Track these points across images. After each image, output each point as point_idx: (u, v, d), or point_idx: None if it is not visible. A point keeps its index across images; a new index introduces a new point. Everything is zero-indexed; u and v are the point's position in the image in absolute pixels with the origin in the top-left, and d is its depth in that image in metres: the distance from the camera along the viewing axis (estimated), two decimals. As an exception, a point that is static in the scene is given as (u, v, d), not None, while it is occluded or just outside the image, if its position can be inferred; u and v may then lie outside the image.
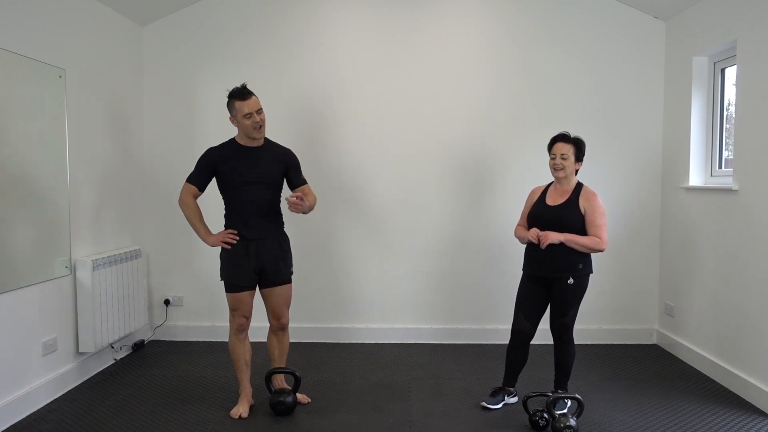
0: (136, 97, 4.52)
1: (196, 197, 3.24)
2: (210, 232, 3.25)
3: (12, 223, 3.16)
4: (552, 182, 3.39)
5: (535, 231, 3.19)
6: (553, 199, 3.29)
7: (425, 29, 4.54)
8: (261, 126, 3.14)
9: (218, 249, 3.29)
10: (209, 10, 4.58)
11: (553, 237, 3.13)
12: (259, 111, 3.13)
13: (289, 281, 3.34)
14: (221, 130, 4.50)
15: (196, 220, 3.24)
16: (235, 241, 3.18)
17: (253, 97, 3.13)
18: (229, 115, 3.20)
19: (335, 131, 4.58)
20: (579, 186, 3.29)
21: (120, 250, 4.13)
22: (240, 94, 3.10)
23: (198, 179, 3.22)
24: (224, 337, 4.60)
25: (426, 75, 4.55)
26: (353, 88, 4.56)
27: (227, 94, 3.17)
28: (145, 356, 4.28)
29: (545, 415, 3.07)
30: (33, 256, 3.33)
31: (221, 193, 3.27)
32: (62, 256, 3.57)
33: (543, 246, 3.14)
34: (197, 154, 4.53)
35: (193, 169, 3.26)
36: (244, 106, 3.09)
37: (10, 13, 3.16)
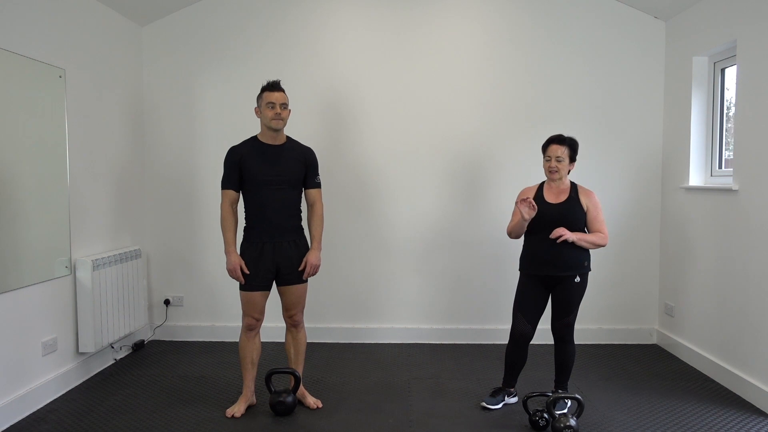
0: (136, 97, 4.52)
1: (233, 202, 3.23)
2: (234, 249, 3.20)
3: (12, 223, 3.16)
4: (543, 182, 3.39)
5: (559, 230, 3.15)
6: (553, 197, 3.29)
7: (424, 29, 4.54)
8: (280, 118, 3.17)
9: (221, 248, 3.31)
10: (209, 10, 4.58)
11: (569, 235, 3.13)
12: (284, 106, 3.19)
13: (305, 281, 3.34)
14: (221, 129, 4.54)
15: (226, 230, 3.21)
16: (243, 282, 3.20)
17: (282, 92, 3.21)
18: (255, 106, 3.28)
19: (334, 131, 4.58)
20: (574, 185, 3.30)
21: (120, 250, 4.13)
22: (270, 85, 3.22)
23: (230, 182, 3.22)
24: (224, 337, 4.64)
25: (426, 75, 4.55)
26: (352, 88, 4.56)
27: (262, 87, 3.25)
28: (145, 356, 4.28)
29: (545, 415, 3.07)
30: (33, 256, 3.33)
31: (242, 191, 3.27)
32: (62, 256, 3.57)
33: (558, 239, 3.13)
34: (197, 154, 4.63)
35: (223, 172, 3.25)
36: (271, 96, 3.17)
37: (10, 13, 3.16)
